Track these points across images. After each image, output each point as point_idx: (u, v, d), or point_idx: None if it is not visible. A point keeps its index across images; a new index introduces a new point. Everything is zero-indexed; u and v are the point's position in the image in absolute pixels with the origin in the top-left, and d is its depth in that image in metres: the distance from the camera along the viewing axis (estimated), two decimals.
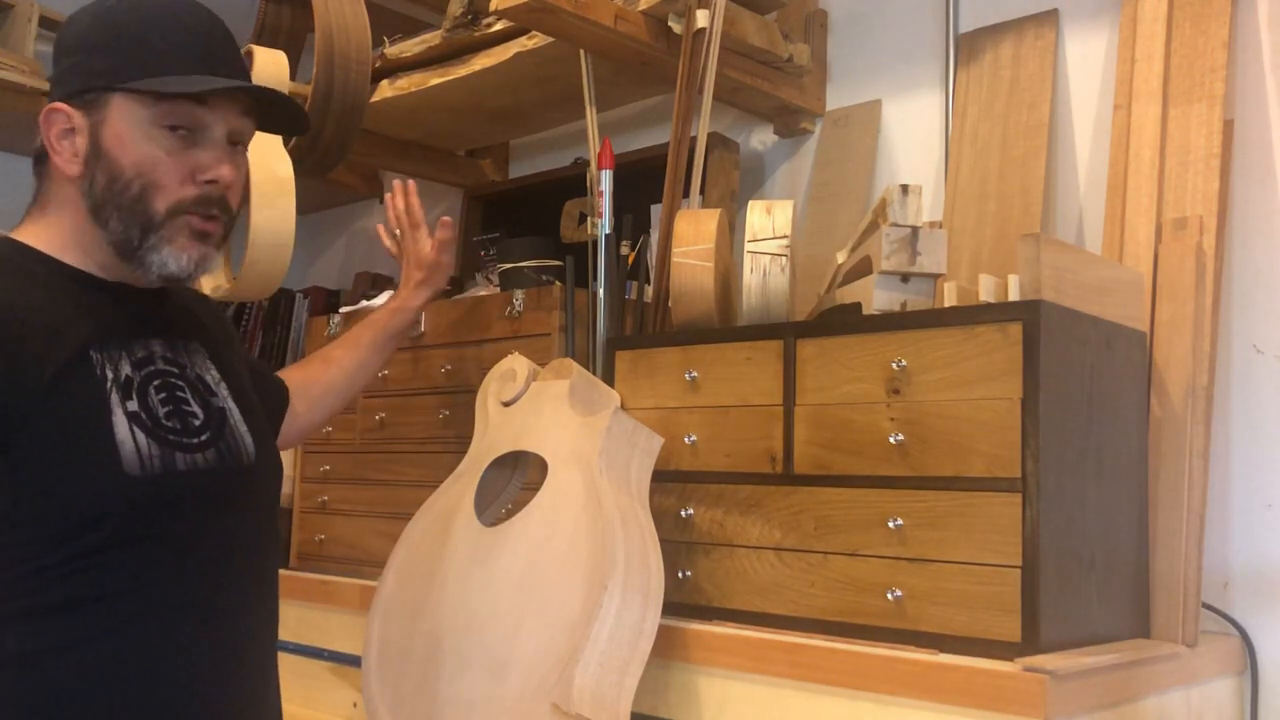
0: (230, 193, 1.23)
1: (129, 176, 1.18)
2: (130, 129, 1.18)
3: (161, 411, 1.20)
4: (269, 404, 1.48)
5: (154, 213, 1.19)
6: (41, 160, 1.24)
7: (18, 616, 1.12)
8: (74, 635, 1.13)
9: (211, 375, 1.29)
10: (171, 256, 1.20)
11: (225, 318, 1.48)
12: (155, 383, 1.21)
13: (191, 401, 1.24)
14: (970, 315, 1.31)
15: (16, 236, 1.23)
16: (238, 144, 1.25)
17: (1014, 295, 1.34)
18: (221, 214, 1.23)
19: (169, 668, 1.18)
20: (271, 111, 1.28)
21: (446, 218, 1.73)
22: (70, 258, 1.22)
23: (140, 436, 1.16)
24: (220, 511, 1.23)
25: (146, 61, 1.18)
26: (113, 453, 1.14)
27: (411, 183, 1.75)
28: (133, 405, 1.17)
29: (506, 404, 1.64)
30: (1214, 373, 1.52)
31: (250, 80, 1.26)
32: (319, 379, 1.63)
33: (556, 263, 1.94)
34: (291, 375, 1.60)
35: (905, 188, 1.40)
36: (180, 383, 1.24)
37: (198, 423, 1.23)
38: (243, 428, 1.28)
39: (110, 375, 1.17)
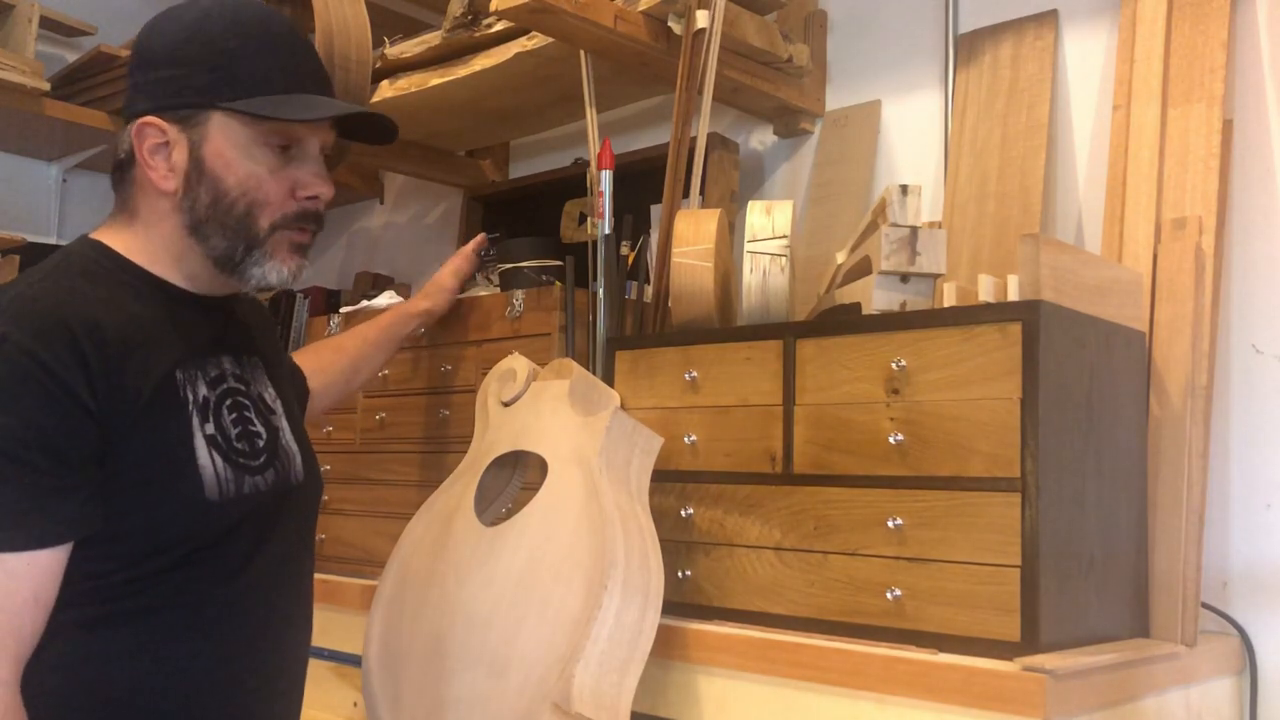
0: (323, 206, 1.27)
1: (234, 195, 1.19)
2: (234, 148, 1.19)
3: (233, 433, 1.22)
4: (298, 397, 1.53)
5: (259, 229, 1.21)
6: (125, 169, 1.23)
7: (83, 625, 1.14)
8: (132, 644, 1.15)
9: (269, 393, 1.32)
10: (273, 270, 1.23)
11: (272, 322, 1.52)
12: (227, 402, 1.24)
13: (256, 421, 1.27)
14: (970, 315, 1.31)
15: (105, 240, 1.23)
16: (327, 155, 1.28)
17: (1013, 295, 1.34)
18: (315, 226, 1.26)
19: (218, 675, 1.21)
20: (356, 124, 1.30)
21: (468, 250, 1.92)
22: (157, 266, 1.23)
23: (218, 460, 1.19)
24: (271, 529, 1.26)
25: (247, 81, 1.19)
26: (195, 479, 1.16)
27: (482, 236, 1.98)
28: (210, 428, 1.19)
29: (506, 404, 1.64)
30: (1214, 373, 1.52)
31: (333, 90, 1.29)
32: (333, 364, 1.69)
33: (556, 263, 1.94)
34: (305, 360, 1.64)
35: (905, 188, 1.41)
36: (247, 401, 1.27)
37: (261, 443, 1.26)
38: (293, 447, 1.32)
39: (191, 397, 1.19)
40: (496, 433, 1.63)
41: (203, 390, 1.21)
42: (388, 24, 2.28)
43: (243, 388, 1.27)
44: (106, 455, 1.11)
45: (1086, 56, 1.80)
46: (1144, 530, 1.44)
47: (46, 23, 2.59)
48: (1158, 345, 1.49)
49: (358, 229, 3.07)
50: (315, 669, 1.87)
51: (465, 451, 1.66)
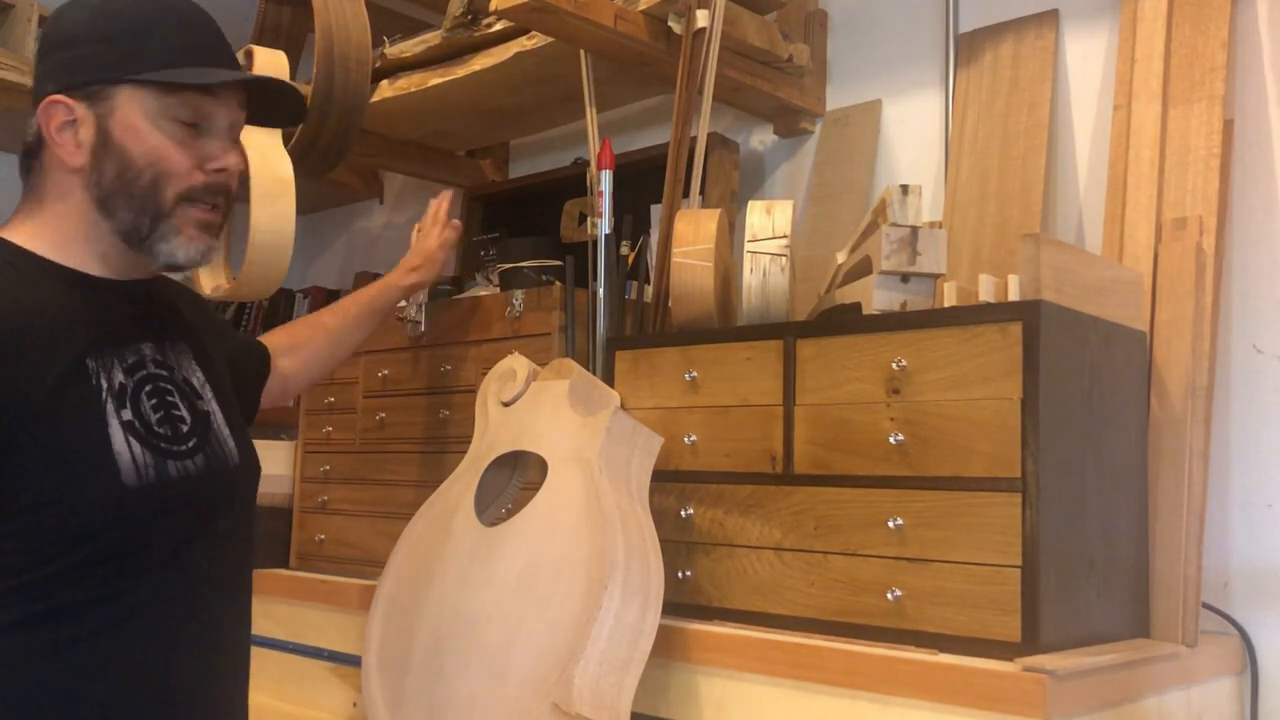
0: (233, 181, 1.26)
1: (140, 166, 1.19)
2: (142, 119, 1.20)
3: (153, 418, 1.20)
4: (252, 372, 1.54)
5: (164, 201, 1.20)
6: (34, 154, 1.23)
7: (13, 624, 1.12)
8: (63, 639, 1.13)
9: (198, 378, 1.30)
10: (180, 247, 1.22)
11: (206, 304, 1.51)
12: (147, 388, 1.22)
13: (180, 406, 1.25)
14: (970, 315, 1.31)
15: (7, 236, 1.22)
16: (235, 135, 1.28)
17: (1014, 295, 1.34)
18: (224, 203, 1.26)
19: (154, 666, 1.19)
20: (265, 105, 1.31)
21: (457, 221, 1.87)
22: (65, 255, 1.22)
23: (135, 446, 1.17)
24: (206, 515, 1.24)
25: (156, 55, 1.20)
26: (110, 465, 1.14)
27: (454, 191, 1.93)
28: (127, 414, 1.18)
29: (506, 404, 1.64)
30: (1214, 373, 1.52)
31: (241, 69, 1.29)
32: (309, 341, 1.69)
33: (556, 263, 1.94)
34: (278, 338, 1.65)
35: (905, 188, 1.40)
36: (169, 386, 1.25)
37: (185, 428, 1.24)
38: (225, 431, 1.30)
39: (105, 384, 1.17)
40: (496, 433, 1.63)
41: (119, 377, 1.19)
42: (388, 24, 2.28)
43: (165, 373, 1.25)
44: (7, 449, 1.10)
45: (1087, 56, 1.80)
46: (1144, 530, 1.44)
47: (46, 22, 2.59)
48: (1158, 345, 1.49)
49: (357, 229, 3.07)
50: (315, 669, 1.88)
51: (465, 452, 1.66)
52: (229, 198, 1.26)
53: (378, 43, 2.14)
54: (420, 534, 1.61)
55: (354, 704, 1.81)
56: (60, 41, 1.23)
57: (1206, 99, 1.58)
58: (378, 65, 2.15)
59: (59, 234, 1.22)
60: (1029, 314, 1.26)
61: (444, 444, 1.88)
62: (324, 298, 2.81)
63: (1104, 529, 1.35)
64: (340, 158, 2.14)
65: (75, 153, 1.20)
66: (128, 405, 1.18)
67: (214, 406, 1.30)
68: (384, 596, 1.59)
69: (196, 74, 1.20)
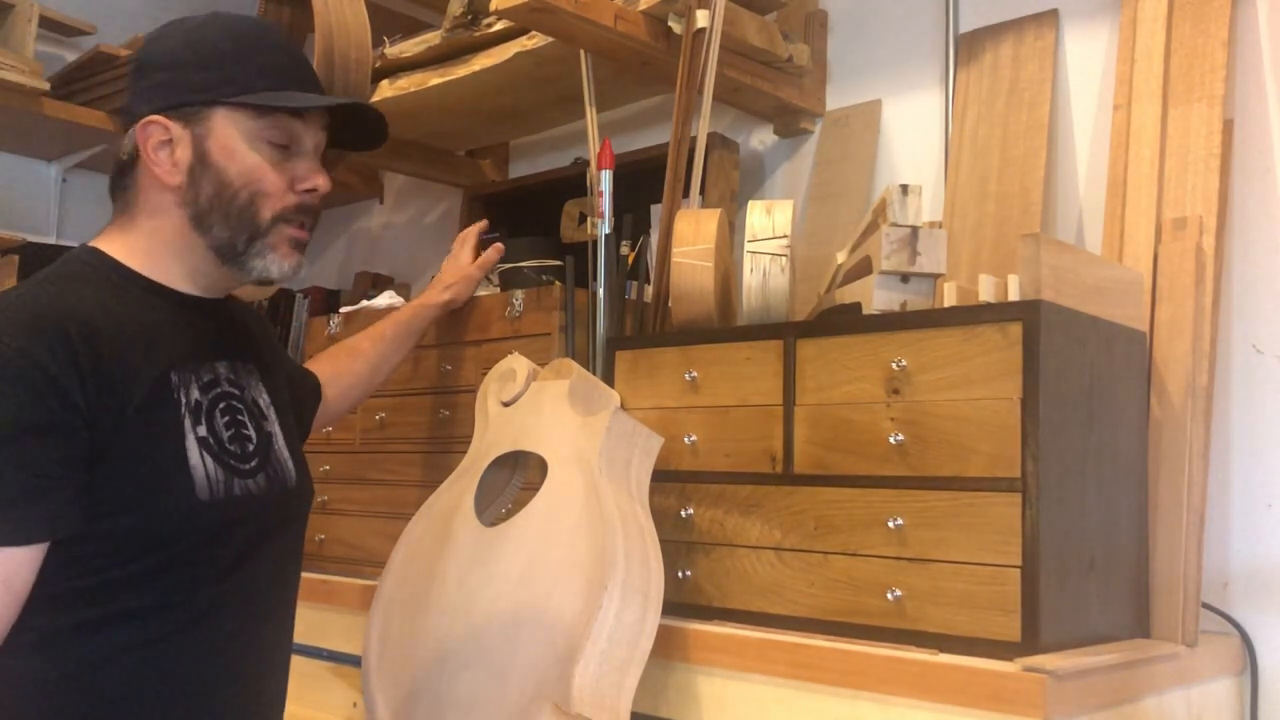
0: (320, 201, 1.30)
1: (237, 185, 1.23)
2: (238, 141, 1.23)
3: (225, 435, 1.24)
4: (305, 401, 1.56)
5: (261, 220, 1.24)
6: (127, 172, 1.27)
7: (80, 626, 1.14)
8: (120, 644, 1.16)
9: (264, 399, 1.33)
10: (274, 263, 1.26)
11: (269, 327, 1.53)
12: (220, 405, 1.25)
13: (249, 425, 1.28)
14: (970, 315, 1.31)
15: (102, 247, 1.26)
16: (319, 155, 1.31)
17: (1014, 295, 1.34)
18: (312, 221, 1.30)
19: (203, 678, 1.21)
20: (343, 127, 1.34)
21: (500, 244, 1.89)
22: (155, 270, 1.26)
23: (209, 461, 1.20)
24: (263, 533, 1.26)
25: (250, 79, 1.24)
26: (187, 478, 1.17)
27: (484, 223, 1.99)
28: (202, 430, 1.21)
29: (506, 404, 1.64)
30: (1214, 373, 1.52)
31: (325, 94, 1.34)
32: (349, 370, 1.71)
33: (556, 263, 1.94)
34: (321, 367, 1.67)
35: (905, 188, 1.40)
36: (240, 405, 1.28)
37: (251, 447, 1.27)
38: (285, 453, 1.33)
39: (184, 400, 1.21)
40: (496, 433, 1.63)
41: (195, 394, 1.22)
42: (388, 24, 2.28)
43: (237, 392, 1.28)
44: (97, 455, 1.12)
45: (1087, 56, 1.80)
46: (1144, 530, 1.44)
47: (46, 22, 2.59)
48: (1158, 345, 1.49)
49: (358, 229, 3.07)
50: (315, 669, 1.87)
51: (465, 452, 1.66)
52: (316, 216, 1.30)
53: (378, 43, 2.14)
54: (420, 534, 1.61)
55: (354, 704, 1.82)
56: (156, 65, 1.27)
57: (1206, 99, 1.58)
58: (378, 65, 2.15)
59: (150, 249, 1.26)
60: (1029, 314, 1.26)
61: (444, 444, 1.88)
62: (324, 298, 2.81)
63: (1104, 529, 1.35)
64: (340, 158, 2.14)
65: (172, 171, 1.24)
66: (203, 421, 1.22)
67: (276, 428, 1.33)
68: (384, 596, 1.59)
69: (290, 98, 1.24)
